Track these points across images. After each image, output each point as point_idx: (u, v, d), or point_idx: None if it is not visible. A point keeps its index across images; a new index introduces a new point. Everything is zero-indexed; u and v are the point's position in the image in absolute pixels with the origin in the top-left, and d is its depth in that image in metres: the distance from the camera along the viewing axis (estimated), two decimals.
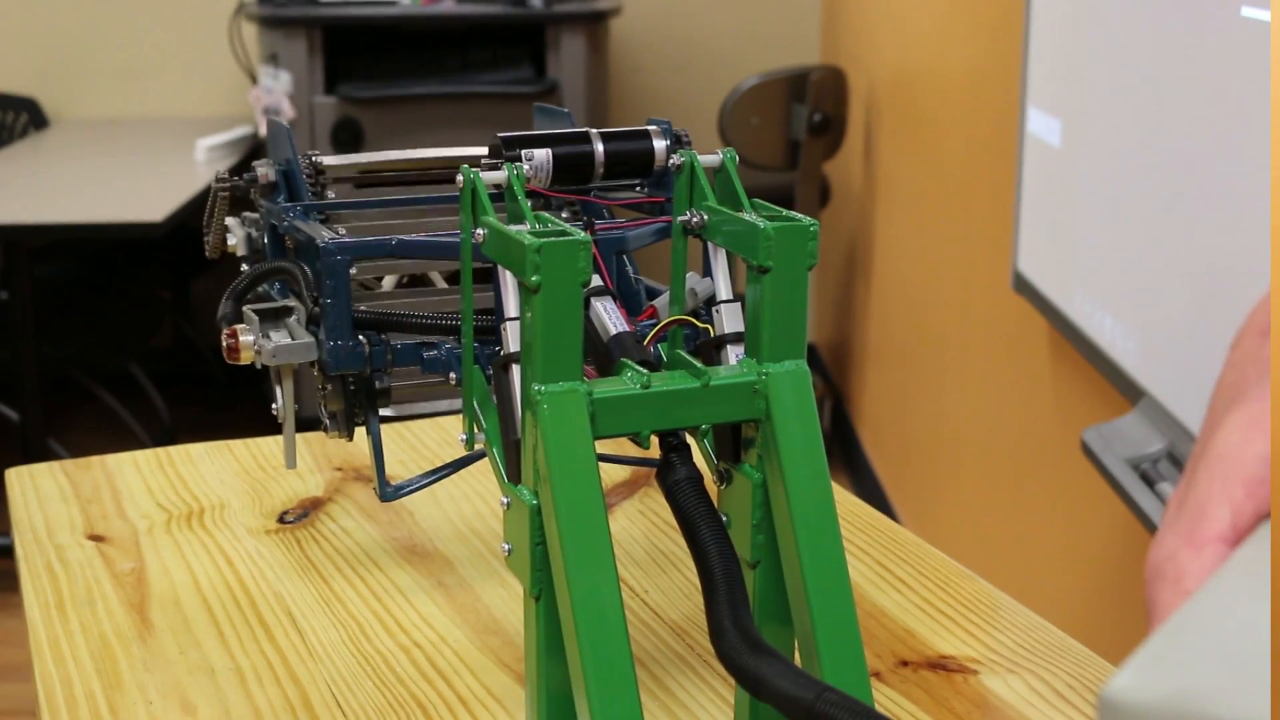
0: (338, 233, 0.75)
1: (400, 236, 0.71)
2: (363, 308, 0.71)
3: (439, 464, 0.78)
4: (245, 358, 0.73)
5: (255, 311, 0.74)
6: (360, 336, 0.71)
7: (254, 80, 3.37)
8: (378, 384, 0.74)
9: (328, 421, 0.74)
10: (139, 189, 2.95)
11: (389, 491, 0.75)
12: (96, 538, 0.88)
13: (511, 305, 0.59)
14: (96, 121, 3.74)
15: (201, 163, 3.14)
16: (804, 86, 3.05)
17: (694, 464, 0.58)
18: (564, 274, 0.55)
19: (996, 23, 2.06)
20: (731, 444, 0.60)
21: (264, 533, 0.89)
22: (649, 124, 0.71)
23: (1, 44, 3.74)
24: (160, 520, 0.91)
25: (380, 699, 0.70)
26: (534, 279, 0.54)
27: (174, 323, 3.78)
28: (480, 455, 0.74)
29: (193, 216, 2.73)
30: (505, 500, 0.59)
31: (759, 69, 3.21)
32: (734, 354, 0.61)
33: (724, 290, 0.62)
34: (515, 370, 0.59)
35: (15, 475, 0.97)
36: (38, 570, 0.84)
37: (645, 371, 0.57)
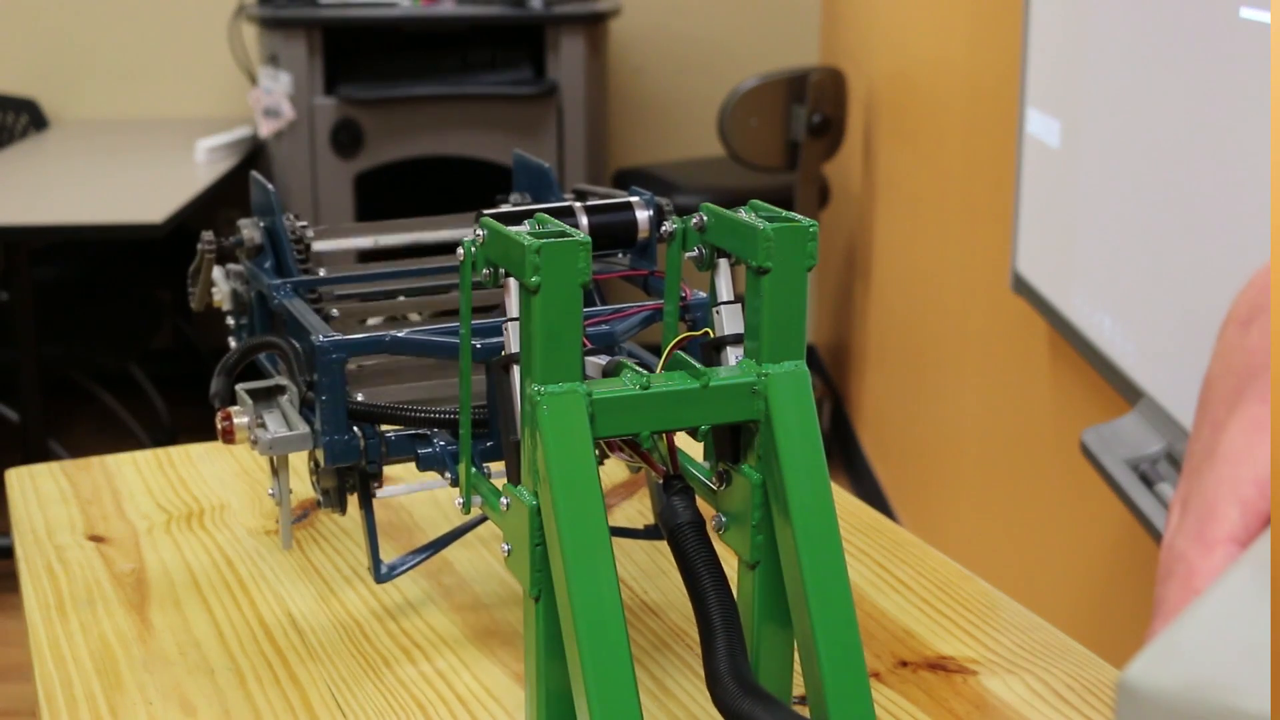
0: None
1: (395, 333, 0.71)
2: (358, 400, 0.72)
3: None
4: (240, 440, 0.73)
5: (248, 392, 0.75)
6: (355, 429, 0.71)
7: (254, 81, 3.37)
8: (373, 485, 0.74)
9: (321, 498, 0.75)
10: (139, 189, 2.95)
11: (384, 572, 0.76)
12: (96, 538, 0.88)
13: (512, 306, 0.59)
14: (96, 122, 3.74)
15: (201, 163, 3.14)
16: (803, 87, 3.05)
17: (697, 508, 0.59)
18: (564, 274, 0.55)
19: (996, 23, 2.06)
20: (731, 445, 0.60)
21: (264, 533, 0.89)
22: (631, 193, 0.72)
23: (1, 44, 3.74)
24: (160, 521, 0.91)
25: (380, 699, 0.70)
26: (534, 280, 0.54)
27: (174, 324, 3.78)
28: (480, 520, 0.75)
29: (193, 217, 2.73)
30: (505, 501, 0.59)
31: (759, 70, 3.21)
32: (733, 355, 0.61)
33: (724, 291, 0.62)
34: (515, 371, 0.59)
35: (15, 476, 0.97)
36: (38, 571, 0.84)
37: (644, 372, 0.57)
